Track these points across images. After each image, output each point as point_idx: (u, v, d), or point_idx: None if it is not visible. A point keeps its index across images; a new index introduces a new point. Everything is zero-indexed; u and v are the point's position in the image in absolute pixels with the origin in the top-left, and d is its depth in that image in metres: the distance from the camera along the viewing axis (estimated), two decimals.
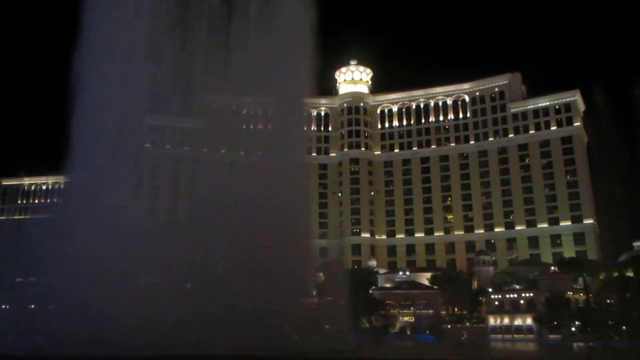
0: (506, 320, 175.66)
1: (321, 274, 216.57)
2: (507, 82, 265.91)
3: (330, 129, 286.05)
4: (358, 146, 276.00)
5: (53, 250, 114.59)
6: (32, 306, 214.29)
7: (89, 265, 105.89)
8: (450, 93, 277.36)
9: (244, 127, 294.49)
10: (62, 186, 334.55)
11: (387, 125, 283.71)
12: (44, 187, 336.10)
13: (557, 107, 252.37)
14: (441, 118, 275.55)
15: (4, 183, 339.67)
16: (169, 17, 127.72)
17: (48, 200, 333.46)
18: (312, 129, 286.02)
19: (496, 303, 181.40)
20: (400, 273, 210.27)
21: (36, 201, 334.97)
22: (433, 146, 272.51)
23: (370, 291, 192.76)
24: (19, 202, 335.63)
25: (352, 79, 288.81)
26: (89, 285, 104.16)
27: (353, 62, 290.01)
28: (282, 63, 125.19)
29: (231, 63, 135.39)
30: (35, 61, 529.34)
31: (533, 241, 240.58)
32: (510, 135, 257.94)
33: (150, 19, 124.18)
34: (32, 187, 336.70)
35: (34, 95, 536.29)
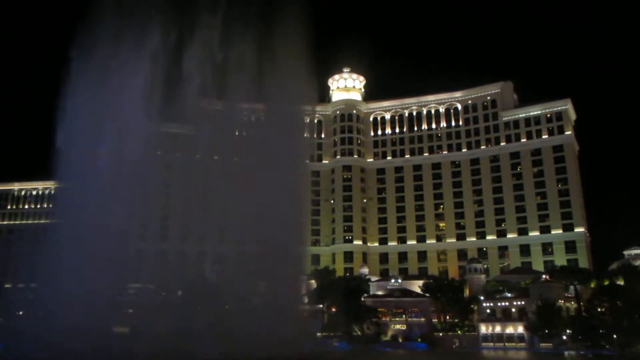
0: (498, 329, 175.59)
1: (313, 281, 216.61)
2: (499, 90, 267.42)
3: (323, 136, 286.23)
4: (351, 153, 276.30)
5: (44, 258, 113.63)
6: (21, 312, 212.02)
7: (78, 279, 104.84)
8: (443, 101, 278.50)
9: (237, 133, 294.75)
10: (52, 192, 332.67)
11: (379, 132, 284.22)
12: (34, 193, 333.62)
13: (548, 115, 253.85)
14: (433, 126, 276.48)
15: None
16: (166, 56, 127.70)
17: (38, 206, 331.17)
18: (305, 135, 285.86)
19: (488, 311, 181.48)
20: (392, 280, 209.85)
21: (26, 207, 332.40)
22: (425, 154, 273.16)
23: (362, 299, 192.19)
24: (9, 207, 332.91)
25: (345, 86, 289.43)
26: (78, 294, 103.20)
27: (346, 70, 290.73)
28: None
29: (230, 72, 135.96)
30: (28, 63, 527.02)
31: (524, 249, 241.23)
32: (502, 144, 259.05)
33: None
34: (22, 193, 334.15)
35: (24, 99, 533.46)
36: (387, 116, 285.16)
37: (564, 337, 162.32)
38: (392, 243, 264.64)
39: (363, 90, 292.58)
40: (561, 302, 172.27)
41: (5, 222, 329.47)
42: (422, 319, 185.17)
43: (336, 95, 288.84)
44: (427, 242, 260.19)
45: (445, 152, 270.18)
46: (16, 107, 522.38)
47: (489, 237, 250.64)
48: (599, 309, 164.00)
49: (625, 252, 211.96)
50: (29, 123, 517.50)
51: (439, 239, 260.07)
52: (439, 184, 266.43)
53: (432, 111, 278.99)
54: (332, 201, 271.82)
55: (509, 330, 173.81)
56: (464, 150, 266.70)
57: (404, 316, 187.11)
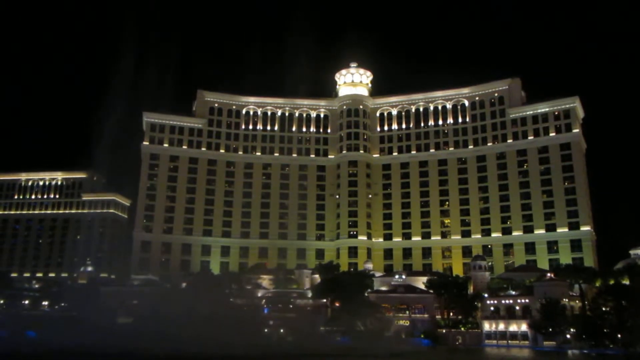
0: (501, 326, 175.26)
1: (317, 275, 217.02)
2: (507, 87, 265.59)
3: (329, 130, 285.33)
4: (357, 149, 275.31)
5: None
6: (26, 301, 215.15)
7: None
8: (450, 97, 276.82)
9: (243, 127, 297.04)
10: (59, 182, 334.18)
11: (386, 128, 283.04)
12: (40, 183, 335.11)
13: (556, 113, 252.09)
14: (440, 122, 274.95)
15: (1, 178, 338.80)
16: None
17: (45, 196, 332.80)
18: (311, 130, 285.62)
19: (492, 308, 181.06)
20: (397, 276, 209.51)
21: (33, 197, 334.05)
22: (432, 150, 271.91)
23: (366, 294, 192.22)
24: (16, 197, 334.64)
25: (352, 81, 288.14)
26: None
27: (353, 65, 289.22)
28: None
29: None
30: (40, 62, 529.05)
31: (530, 247, 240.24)
32: (509, 141, 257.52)
33: None
34: (29, 183, 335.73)
35: (35, 91, 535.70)
36: (394, 112, 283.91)
37: (568, 336, 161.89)
38: (397, 239, 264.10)
39: (370, 85, 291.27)
40: (566, 300, 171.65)
41: (12, 212, 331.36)
42: (426, 316, 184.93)
43: (343, 90, 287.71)
44: (432, 238, 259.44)
45: (451, 149, 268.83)
46: (27, 98, 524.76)
47: (494, 235, 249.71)
48: (603, 308, 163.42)
49: (632, 252, 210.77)
50: (37, 114, 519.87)
51: (443, 235, 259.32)
52: (445, 181, 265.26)
53: (439, 107, 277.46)
54: (337, 196, 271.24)
55: (513, 328, 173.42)
56: (471, 147, 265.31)
57: (407, 312, 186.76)
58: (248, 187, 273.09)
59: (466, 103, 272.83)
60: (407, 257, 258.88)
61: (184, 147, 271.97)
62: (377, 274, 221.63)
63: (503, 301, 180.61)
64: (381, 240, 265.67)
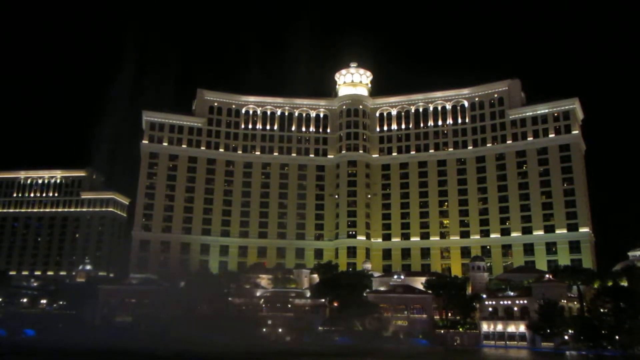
0: (499, 327, 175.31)
1: (316, 275, 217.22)
2: (507, 88, 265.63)
3: (328, 130, 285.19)
4: (356, 149, 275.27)
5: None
6: (25, 300, 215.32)
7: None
8: (450, 98, 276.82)
9: (243, 126, 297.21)
10: (58, 181, 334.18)
11: (385, 128, 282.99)
12: (39, 181, 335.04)
13: (555, 114, 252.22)
14: (440, 123, 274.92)
15: (0, 176, 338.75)
16: None
17: (44, 195, 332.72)
18: (311, 130, 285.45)
19: (490, 309, 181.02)
20: (395, 277, 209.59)
21: (32, 195, 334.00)
22: (431, 150, 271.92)
23: (365, 294, 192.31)
24: (14, 195, 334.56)
25: (352, 81, 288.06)
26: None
27: (353, 65, 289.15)
28: None
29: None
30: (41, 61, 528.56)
31: (528, 248, 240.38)
32: (509, 142, 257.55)
33: None
34: (28, 181, 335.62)
35: (34, 91, 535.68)
36: (394, 112, 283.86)
37: (566, 337, 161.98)
38: (396, 239, 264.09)
39: (370, 85, 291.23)
40: (564, 302, 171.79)
41: (11, 210, 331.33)
42: (424, 316, 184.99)
43: (343, 90, 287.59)
44: (431, 239, 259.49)
45: (451, 149, 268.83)
46: (27, 97, 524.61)
47: (492, 235, 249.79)
48: (601, 310, 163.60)
49: (630, 253, 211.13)
50: (35, 114, 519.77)
51: (442, 236, 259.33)
52: (444, 181, 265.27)
53: (439, 108, 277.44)
54: (336, 196, 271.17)
55: (511, 329, 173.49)
56: (470, 147, 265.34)
57: (405, 312, 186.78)
58: (247, 187, 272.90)
59: (466, 104, 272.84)
60: (405, 258, 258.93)
61: (184, 146, 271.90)
62: (376, 274, 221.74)
63: (501, 302, 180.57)
64: (380, 240, 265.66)
